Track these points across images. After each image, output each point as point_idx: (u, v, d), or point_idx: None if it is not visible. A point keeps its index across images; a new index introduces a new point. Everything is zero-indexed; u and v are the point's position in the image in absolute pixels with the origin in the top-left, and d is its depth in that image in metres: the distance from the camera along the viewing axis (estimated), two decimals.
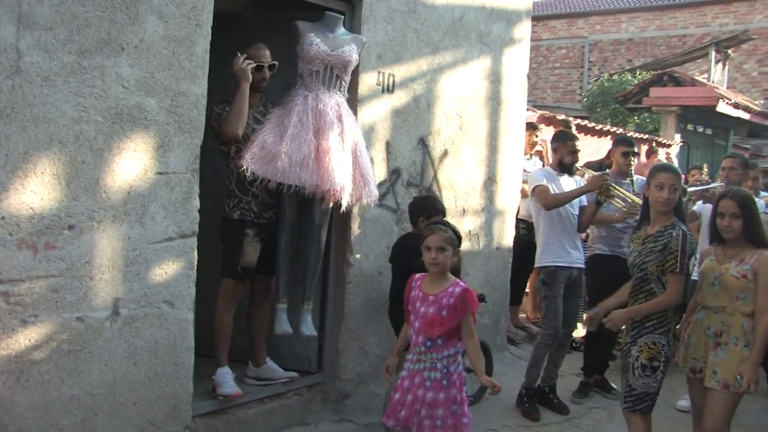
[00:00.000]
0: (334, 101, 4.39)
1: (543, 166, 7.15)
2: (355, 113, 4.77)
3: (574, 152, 5.42)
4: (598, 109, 16.49)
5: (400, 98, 5.16)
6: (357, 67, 4.74)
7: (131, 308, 3.61)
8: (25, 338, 3.24)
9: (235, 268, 4.29)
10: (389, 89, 5.05)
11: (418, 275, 3.84)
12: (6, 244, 3.15)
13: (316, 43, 4.32)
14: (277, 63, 4.36)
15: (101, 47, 3.39)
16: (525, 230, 6.82)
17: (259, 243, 4.35)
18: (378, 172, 4.99)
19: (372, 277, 5.02)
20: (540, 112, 8.96)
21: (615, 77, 17.19)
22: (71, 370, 3.42)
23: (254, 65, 4.22)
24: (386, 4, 4.96)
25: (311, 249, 4.49)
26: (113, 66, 3.44)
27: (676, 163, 10.58)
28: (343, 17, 4.57)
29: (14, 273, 3.19)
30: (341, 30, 4.55)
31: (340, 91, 4.50)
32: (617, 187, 5.29)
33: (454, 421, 3.67)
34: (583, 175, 5.80)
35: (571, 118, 8.62)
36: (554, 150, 5.50)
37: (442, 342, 3.67)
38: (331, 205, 4.43)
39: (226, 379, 4.23)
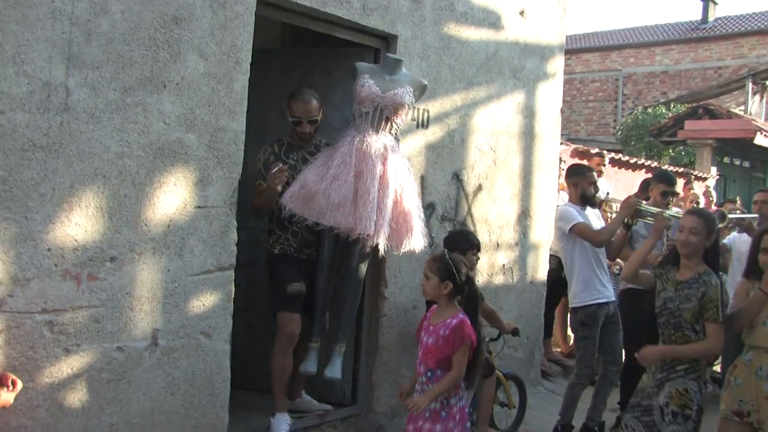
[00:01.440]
0: (380, 144, 4.31)
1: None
2: None
3: (594, 183, 5.43)
4: (633, 143, 16.43)
5: (434, 133, 5.22)
6: None
7: (169, 339, 3.68)
8: (67, 367, 3.32)
9: (285, 298, 4.25)
10: (424, 125, 5.11)
11: (434, 305, 3.87)
12: (51, 274, 3.25)
13: (368, 84, 4.31)
14: (319, 119, 4.40)
15: (144, 84, 3.51)
16: (555, 265, 6.82)
17: (303, 279, 4.33)
18: None
19: (406, 310, 5.05)
20: (573, 146, 8.96)
21: (649, 110, 17.14)
22: (111, 399, 3.48)
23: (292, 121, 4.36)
24: (421, 40, 5.04)
25: (347, 291, 4.45)
26: (155, 102, 3.55)
27: (714, 195, 10.46)
28: (402, 60, 4.56)
29: (58, 303, 3.28)
30: (402, 72, 4.53)
31: (390, 133, 4.44)
32: (645, 205, 5.26)
33: None
34: (604, 204, 5.81)
35: (605, 152, 8.61)
36: (574, 185, 5.45)
37: (441, 373, 3.70)
38: (368, 250, 4.36)
39: (281, 427, 4.22)
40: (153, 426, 3.65)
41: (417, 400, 3.63)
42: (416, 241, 4.42)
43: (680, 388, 3.84)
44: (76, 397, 3.37)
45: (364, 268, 4.47)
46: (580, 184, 5.41)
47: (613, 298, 5.35)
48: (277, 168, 4.15)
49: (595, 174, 5.52)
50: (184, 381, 3.75)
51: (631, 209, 5.14)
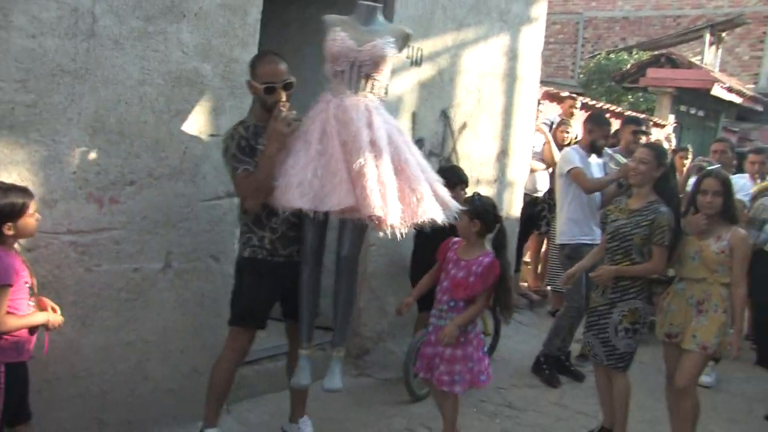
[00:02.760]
0: (362, 107, 3.54)
1: (545, 143, 7.40)
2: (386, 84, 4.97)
3: (608, 137, 5.69)
4: (594, 87, 16.69)
5: (426, 71, 5.37)
6: None
7: (182, 261, 3.84)
8: (89, 286, 3.48)
9: (240, 315, 3.69)
10: (417, 62, 5.26)
11: (456, 238, 4.09)
12: (76, 197, 3.37)
13: (341, 38, 3.57)
14: (294, 80, 3.62)
15: (165, 14, 3.58)
16: (527, 203, 7.14)
17: (277, 284, 3.71)
18: None
19: (394, 240, 5.19)
20: (545, 88, 9.16)
21: (612, 56, 17.38)
22: (128, 317, 3.66)
23: (263, 88, 3.55)
24: None
25: (341, 286, 3.70)
26: (175, 32, 3.64)
27: (674, 141, 10.87)
28: (380, 6, 3.83)
29: (82, 224, 3.41)
30: (378, 21, 3.78)
31: (372, 92, 3.64)
32: None
33: (471, 377, 3.94)
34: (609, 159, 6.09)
35: (577, 97, 8.84)
36: (588, 131, 5.67)
37: (463, 305, 3.93)
38: (381, 234, 3.54)
39: None
40: (165, 343, 3.84)
41: (447, 331, 3.83)
42: (430, 209, 3.55)
43: (632, 307, 4.28)
44: (97, 314, 3.53)
45: (358, 256, 3.76)
46: (594, 133, 5.64)
47: (599, 241, 5.64)
48: (282, 113, 3.47)
49: (610, 129, 5.74)
50: (194, 302, 3.93)
51: (627, 173, 5.37)
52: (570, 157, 5.58)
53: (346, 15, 3.75)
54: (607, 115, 10.52)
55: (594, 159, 5.69)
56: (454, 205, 3.71)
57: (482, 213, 3.97)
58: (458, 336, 3.87)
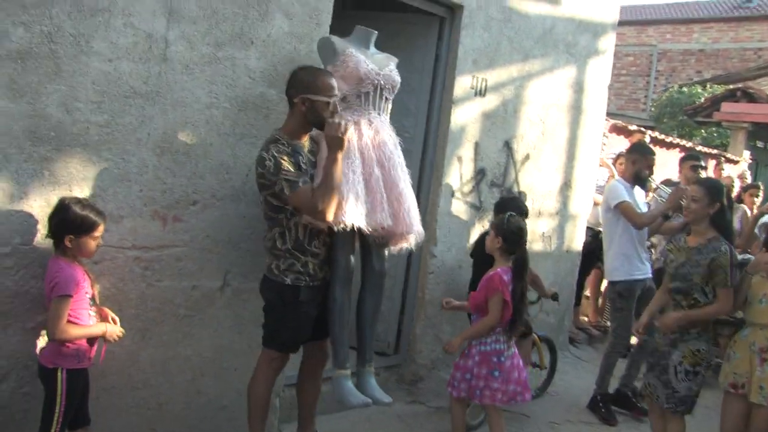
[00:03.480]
0: (387, 127, 3.78)
1: (609, 177, 7.32)
2: (449, 114, 5.04)
3: (652, 167, 5.57)
4: (665, 120, 16.44)
5: (490, 102, 5.40)
6: (454, 69, 5.01)
7: (240, 281, 3.93)
8: (151, 300, 3.59)
9: (284, 343, 3.67)
10: (481, 93, 5.29)
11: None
12: (142, 214, 3.50)
13: (363, 60, 3.69)
14: (334, 99, 3.59)
15: (234, 40, 3.71)
16: (590, 237, 7.05)
17: (315, 309, 3.66)
18: (465, 171, 5.27)
19: (452, 269, 5.29)
20: (612, 120, 9.07)
21: (685, 89, 17.09)
22: (186, 333, 3.76)
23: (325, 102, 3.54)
24: (485, 12, 5.19)
25: (369, 301, 3.79)
26: (243, 58, 3.76)
27: (748, 178, 10.60)
28: (375, 32, 3.94)
29: (146, 241, 3.54)
30: (372, 46, 3.95)
31: (387, 114, 3.85)
32: None
33: (468, 388, 4.15)
34: (653, 190, 5.97)
35: (646, 131, 8.73)
36: (633, 162, 5.58)
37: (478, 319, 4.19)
38: (402, 249, 3.79)
39: None
40: (221, 360, 3.93)
41: (454, 342, 4.16)
42: (421, 231, 3.81)
43: (693, 349, 4.11)
44: (157, 329, 3.65)
45: (386, 268, 3.86)
46: (638, 163, 5.53)
47: (650, 275, 5.56)
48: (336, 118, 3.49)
49: (654, 159, 5.62)
50: (250, 321, 4.00)
51: (676, 205, 5.28)
52: (617, 191, 5.48)
53: (345, 37, 3.86)
54: (677, 150, 10.40)
55: (638, 190, 5.60)
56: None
57: (506, 232, 4.16)
58: (489, 352, 4.13)
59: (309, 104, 3.52)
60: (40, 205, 3.15)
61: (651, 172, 5.63)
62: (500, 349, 4.16)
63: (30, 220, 3.14)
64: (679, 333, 4.15)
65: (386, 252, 3.81)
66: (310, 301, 3.61)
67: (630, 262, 5.44)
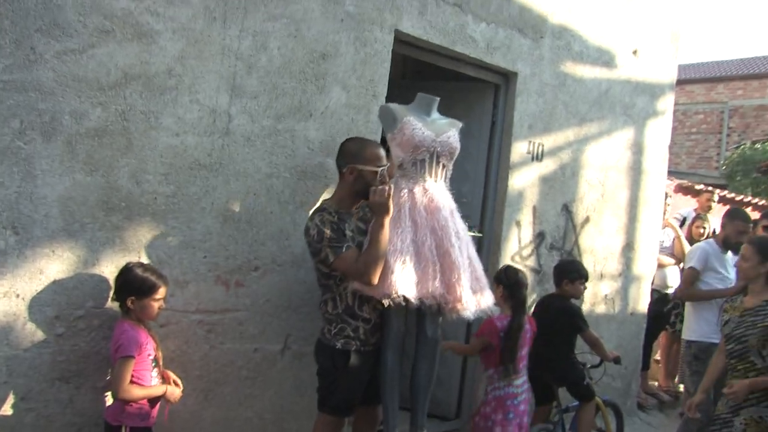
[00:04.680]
0: (443, 194, 3.80)
1: (674, 238, 7.25)
2: (507, 179, 5.13)
3: (741, 233, 5.50)
4: (738, 178, 16.11)
5: (547, 166, 5.46)
6: (510, 135, 5.11)
7: (300, 344, 4.04)
8: (213, 362, 3.73)
9: (338, 406, 3.69)
10: (538, 158, 5.37)
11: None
12: (206, 279, 3.67)
13: (419, 128, 3.73)
14: (381, 168, 3.65)
15: (294, 113, 3.91)
16: (656, 300, 6.95)
17: (367, 374, 3.71)
18: (524, 235, 5.31)
19: None
20: (677, 181, 8.99)
21: (758, 145, 16.74)
22: (247, 394, 3.88)
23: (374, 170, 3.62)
24: (539, 78, 5.31)
25: (422, 367, 3.79)
26: (302, 129, 3.95)
27: None
28: (438, 99, 3.97)
29: (210, 305, 3.70)
30: (436, 113, 3.98)
31: (444, 182, 3.89)
32: None
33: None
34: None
35: (714, 190, 8.62)
36: (722, 226, 5.64)
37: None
38: (454, 317, 3.73)
39: None
40: (281, 422, 4.02)
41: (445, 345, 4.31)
42: (488, 298, 3.82)
43: (755, 416, 3.95)
44: (219, 390, 3.78)
45: (439, 334, 3.87)
46: (726, 228, 5.60)
47: None
48: (380, 187, 3.53)
49: (746, 225, 5.60)
50: (311, 384, 4.05)
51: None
52: (692, 254, 5.53)
53: (405, 104, 3.93)
54: (750, 208, 10.18)
55: (731, 255, 5.55)
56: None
57: (504, 280, 4.43)
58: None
59: (357, 173, 3.60)
60: (111, 271, 3.35)
61: (740, 239, 5.50)
62: (514, 393, 4.34)
63: (102, 285, 3.34)
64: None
65: (440, 319, 3.80)
66: (361, 365, 3.64)
67: (708, 324, 5.40)
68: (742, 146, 17.67)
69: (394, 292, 3.45)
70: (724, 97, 23.28)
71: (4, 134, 3.04)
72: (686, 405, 4.55)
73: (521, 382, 4.42)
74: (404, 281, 3.49)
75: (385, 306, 3.59)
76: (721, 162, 20.67)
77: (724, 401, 4.12)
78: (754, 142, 17.41)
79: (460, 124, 4.00)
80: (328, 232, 3.49)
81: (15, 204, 3.08)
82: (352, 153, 3.64)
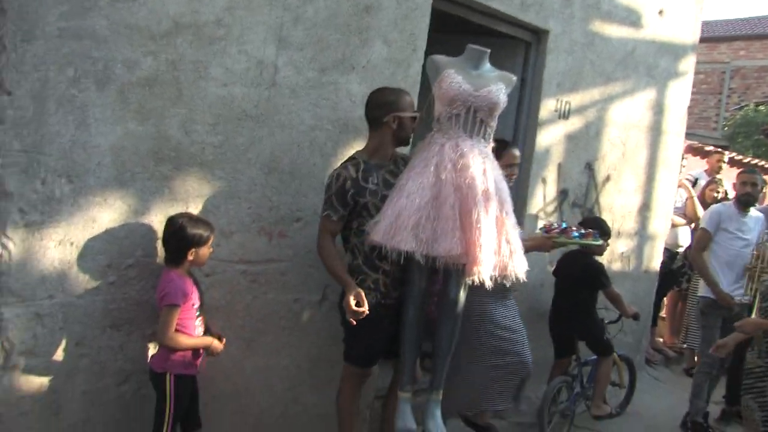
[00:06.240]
0: (477, 152, 3.57)
1: (687, 198, 7.32)
2: (534, 137, 5.16)
3: (745, 184, 5.58)
4: (739, 140, 16.15)
5: (573, 124, 5.50)
6: (539, 93, 5.13)
7: (337, 295, 4.07)
8: (256, 312, 3.80)
9: (359, 357, 3.77)
10: (565, 115, 5.40)
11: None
12: (250, 230, 3.71)
13: (456, 81, 3.57)
14: (418, 114, 3.75)
15: (337, 66, 3.91)
16: (667, 258, 7.06)
17: (390, 325, 3.70)
18: (549, 192, 5.37)
19: (535, 288, 5.38)
20: (688, 141, 9.03)
21: (761, 107, 16.75)
22: (285, 343, 3.96)
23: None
24: (569, 36, 5.31)
25: (445, 329, 3.70)
26: (345, 82, 3.96)
27: None
28: (488, 51, 3.80)
29: (253, 255, 3.75)
30: (487, 66, 3.78)
31: (484, 138, 3.67)
32: None
33: None
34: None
35: (724, 151, 8.67)
36: (734, 186, 5.67)
37: None
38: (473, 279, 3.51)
39: None
40: (317, 370, 4.11)
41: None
42: (519, 264, 3.63)
43: None
44: (260, 339, 3.85)
45: (463, 297, 3.72)
46: (737, 185, 5.65)
47: (742, 300, 5.50)
48: (357, 309, 3.47)
49: (748, 177, 5.66)
50: None
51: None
52: (705, 217, 5.61)
53: (455, 56, 3.77)
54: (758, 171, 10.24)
55: (754, 212, 5.58)
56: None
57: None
58: None
59: (399, 121, 3.62)
60: (159, 221, 3.38)
61: (745, 192, 5.56)
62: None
63: (151, 234, 3.38)
64: None
65: (465, 280, 3.58)
66: (381, 317, 3.63)
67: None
68: (746, 108, 17.65)
69: (404, 247, 3.38)
70: (726, 57, 23.13)
71: (60, 82, 3.03)
72: (714, 346, 4.58)
73: None
74: (417, 238, 3.39)
75: (406, 260, 3.48)
76: (721, 123, 20.70)
77: (755, 354, 4.24)
78: (757, 104, 17.39)
79: (513, 79, 3.81)
80: (333, 189, 3.55)
81: (69, 152, 3.09)
82: (390, 102, 3.63)
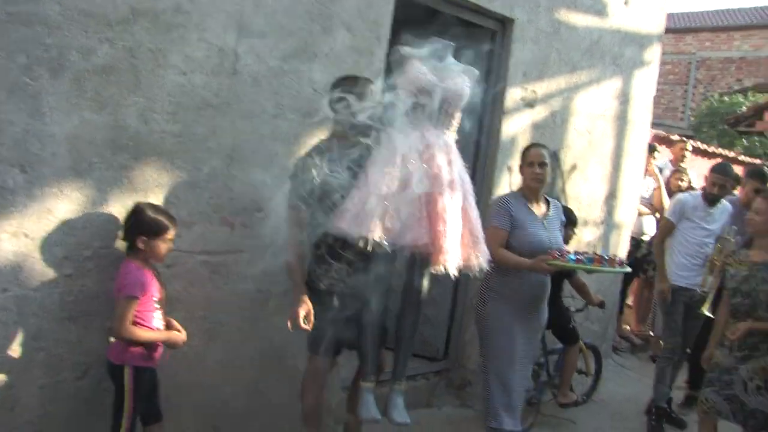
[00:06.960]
0: (442, 142, 3.59)
1: (655, 188, 7.37)
2: (500, 125, 5.16)
3: (714, 185, 5.45)
4: (705, 130, 16.33)
5: (539, 113, 5.50)
6: (505, 82, 5.12)
7: None
8: (217, 302, 3.76)
9: (316, 344, 3.69)
10: (531, 104, 5.40)
11: None
12: (211, 220, 3.67)
13: (422, 71, 3.57)
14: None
15: (299, 54, 3.87)
16: (633, 246, 7.13)
17: (351, 315, 3.67)
18: (515, 180, 5.36)
19: None
20: (654, 131, 9.10)
21: (725, 98, 16.95)
22: (249, 334, 3.92)
23: None
24: (535, 25, 5.31)
25: (407, 319, 3.74)
26: (307, 71, 3.91)
27: None
28: (453, 45, 3.81)
29: (215, 245, 3.70)
30: (450, 59, 3.79)
31: (449, 129, 3.67)
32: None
33: None
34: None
35: (688, 140, 8.76)
36: (705, 179, 5.64)
37: None
38: (438, 270, 3.51)
39: None
40: (283, 360, 4.07)
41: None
42: (483, 253, 3.64)
43: (765, 365, 4.05)
44: (222, 330, 3.81)
45: (427, 286, 3.73)
46: (707, 181, 5.57)
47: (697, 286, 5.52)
48: (302, 325, 3.50)
49: (718, 178, 5.49)
50: None
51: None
52: (673, 204, 5.65)
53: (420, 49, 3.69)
54: (719, 159, 10.37)
55: (718, 210, 5.54)
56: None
57: None
58: None
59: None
60: (118, 211, 3.32)
61: (713, 190, 5.52)
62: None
63: (109, 225, 3.31)
64: (748, 350, 4.11)
65: (430, 270, 3.58)
66: (342, 308, 3.63)
67: (678, 268, 5.53)
68: (710, 98, 17.86)
69: (370, 236, 3.33)
70: (692, 48, 23.40)
71: (11, 69, 2.95)
72: (703, 359, 4.53)
73: None
74: (383, 227, 3.36)
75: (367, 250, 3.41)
76: (686, 113, 20.93)
77: (725, 351, 4.21)
78: (721, 95, 17.60)
79: (475, 72, 3.80)
80: (299, 177, 3.52)
81: (22, 142, 3.02)
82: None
